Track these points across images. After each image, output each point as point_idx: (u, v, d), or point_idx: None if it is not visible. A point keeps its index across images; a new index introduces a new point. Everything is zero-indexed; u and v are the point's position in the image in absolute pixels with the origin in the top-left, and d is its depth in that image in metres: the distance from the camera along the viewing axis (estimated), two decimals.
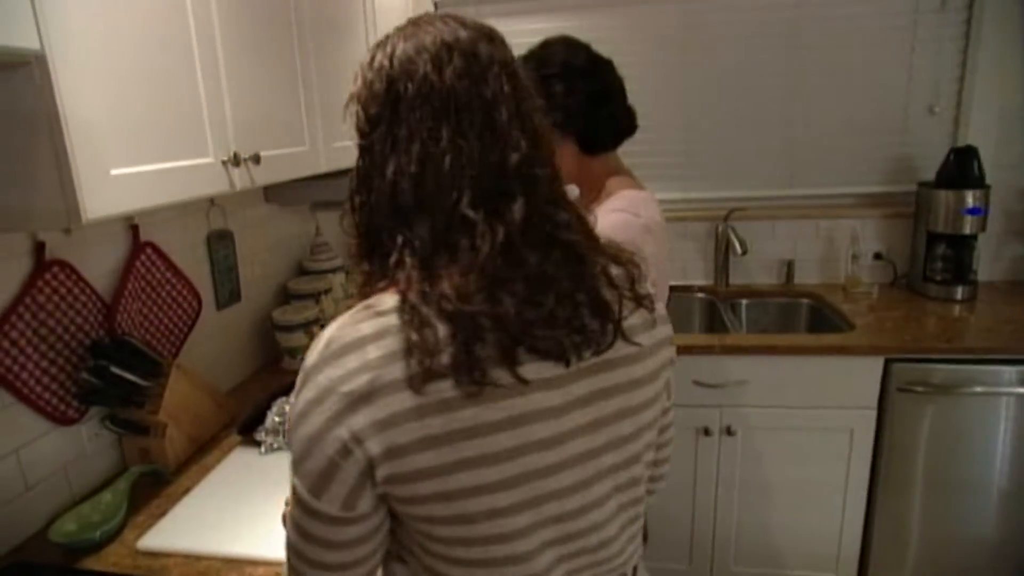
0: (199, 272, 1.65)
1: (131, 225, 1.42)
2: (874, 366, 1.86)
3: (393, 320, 0.59)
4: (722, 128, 2.42)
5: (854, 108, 2.32)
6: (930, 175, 2.23)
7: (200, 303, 1.62)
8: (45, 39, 0.83)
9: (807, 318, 2.35)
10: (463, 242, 0.60)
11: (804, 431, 1.94)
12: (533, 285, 0.61)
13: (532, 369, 0.61)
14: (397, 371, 0.58)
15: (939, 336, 1.87)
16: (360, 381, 0.58)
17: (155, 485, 1.32)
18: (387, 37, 0.67)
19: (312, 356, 0.61)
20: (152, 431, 1.35)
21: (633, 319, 0.68)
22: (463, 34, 0.64)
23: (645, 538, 1.44)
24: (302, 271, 2.13)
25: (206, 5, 1.16)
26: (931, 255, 2.20)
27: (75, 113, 0.87)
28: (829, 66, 2.30)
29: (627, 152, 1.36)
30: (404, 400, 0.57)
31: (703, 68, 2.38)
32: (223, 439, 1.51)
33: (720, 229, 2.42)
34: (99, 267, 1.34)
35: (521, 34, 2.43)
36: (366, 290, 0.65)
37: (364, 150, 0.66)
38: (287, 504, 0.68)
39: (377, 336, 0.59)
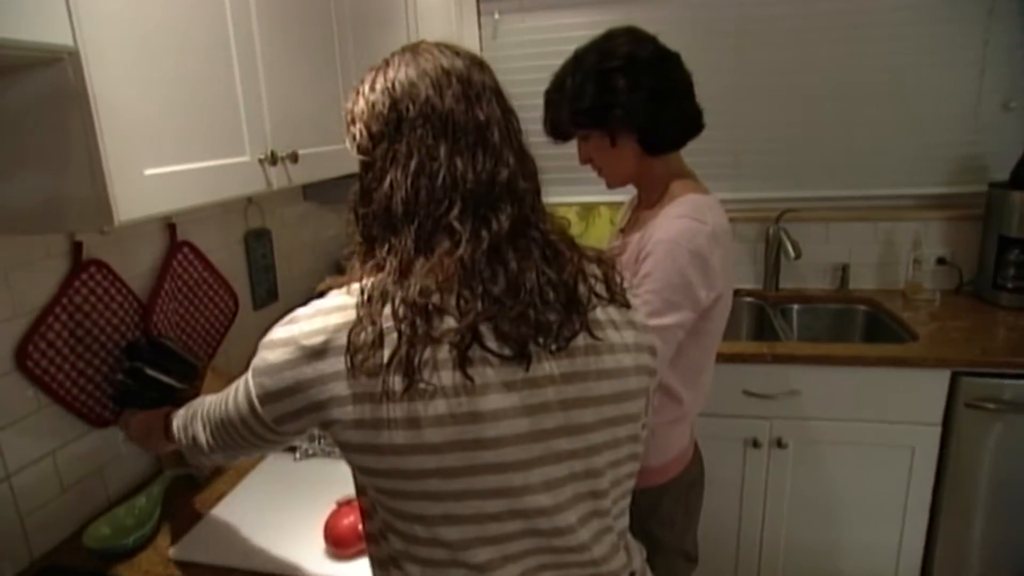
0: (236, 271, 1.63)
1: (168, 224, 1.40)
2: (940, 380, 1.74)
3: (351, 302, 0.66)
4: (775, 125, 2.31)
5: (918, 103, 2.18)
6: (1003, 175, 2.08)
7: (237, 303, 1.60)
8: (78, 35, 0.80)
9: (863, 325, 2.24)
10: (444, 245, 0.66)
11: (861, 446, 1.84)
12: (510, 283, 0.66)
13: (486, 371, 0.65)
14: (344, 340, 0.64)
15: (1014, 349, 1.75)
16: (317, 339, 0.65)
17: (190, 489, 1.30)
18: (386, 62, 0.73)
19: (291, 313, 0.70)
20: None
21: (601, 314, 0.72)
22: (458, 62, 0.71)
23: (693, 559, 1.38)
24: (340, 270, 2.10)
25: (244, 1, 1.12)
26: (1002, 261, 2.06)
27: (108, 111, 0.84)
28: (892, 60, 2.17)
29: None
30: (342, 379, 0.64)
31: (755, 62, 2.27)
32: None
33: (771, 231, 2.31)
34: (136, 267, 1.33)
35: (562, 28, 2.39)
36: (346, 276, 0.72)
37: (366, 166, 0.71)
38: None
39: (338, 309, 0.66)
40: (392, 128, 0.69)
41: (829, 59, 2.21)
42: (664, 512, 1.27)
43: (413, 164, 0.67)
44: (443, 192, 0.66)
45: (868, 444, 1.83)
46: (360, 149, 0.72)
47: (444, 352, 0.63)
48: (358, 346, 0.63)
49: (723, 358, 1.85)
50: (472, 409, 0.64)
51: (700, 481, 1.36)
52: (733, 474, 1.93)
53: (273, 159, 1.18)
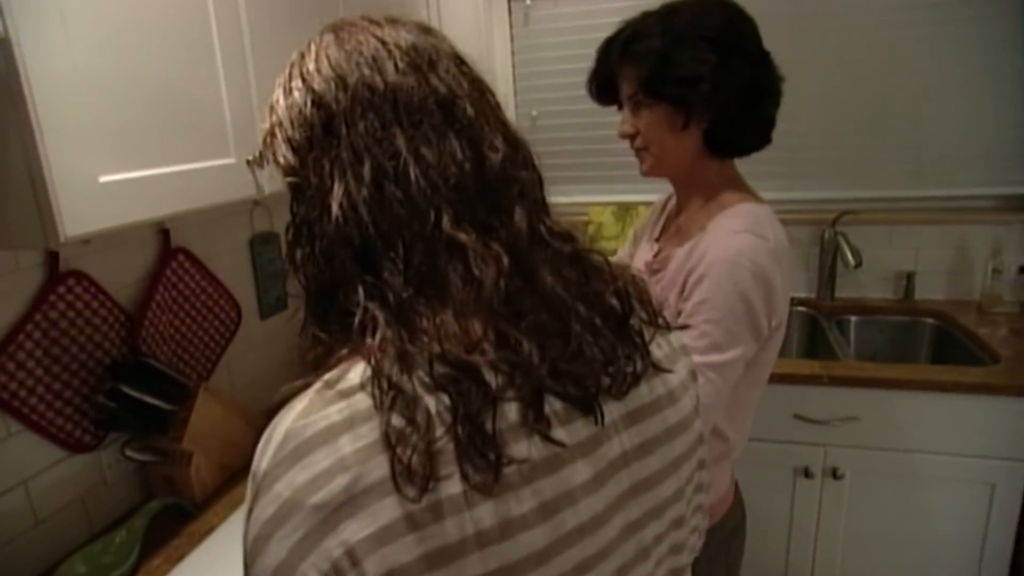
0: (240, 279, 1.52)
1: (161, 230, 1.28)
2: None
3: (364, 401, 0.45)
4: (834, 119, 2.09)
5: (997, 94, 1.94)
6: None
7: (240, 314, 1.49)
8: (8, 17, 0.68)
9: (931, 341, 2.01)
10: (454, 274, 0.48)
11: (930, 480, 1.63)
12: (551, 308, 0.50)
13: (563, 429, 0.49)
14: (383, 467, 0.43)
15: None
16: (336, 487, 0.43)
17: (177, 520, 1.19)
18: (300, 53, 0.57)
19: (265, 458, 0.46)
20: (177, 459, 1.22)
21: (657, 349, 0.58)
22: (397, 31, 0.55)
23: None
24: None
25: None
26: None
27: (50, 107, 0.72)
28: (965, 45, 1.93)
29: None
30: (395, 507, 0.43)
31: (813, 50, 2.06)
32: None
33: (827, 234, 2.10)
34: (123, 277, 1.22)
35: (598, 14, 2.20)
36: (324, 362, 0.50)
37: (296, 190, 0.53)
38: None
39: (348, 424, 0.44)
40: (321, 130, 0.52)
41: (895, 46, 1.99)
42: (703, 567, 1.10)
43: (367, 169, 0.49)
44: (421, 197, 0.49)
45: (939, 478, 1.62)
46: (285, 169, 0.54)
47: (513, 414, 0.46)
48: (405, 445, 0.42)
49: (772, 378, 1.66)
50: (566, 488, 0.48)
51: (742, 527, 1.19)
52: (781, 506, 1.74)
53: (263, 160, 1.05)
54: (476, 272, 0.48)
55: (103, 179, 0.79)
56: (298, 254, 0.53)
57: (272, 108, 0.56)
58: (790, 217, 2.13)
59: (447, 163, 0.50)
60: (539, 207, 0.55)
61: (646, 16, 1.02)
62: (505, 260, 0.49)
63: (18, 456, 1.05)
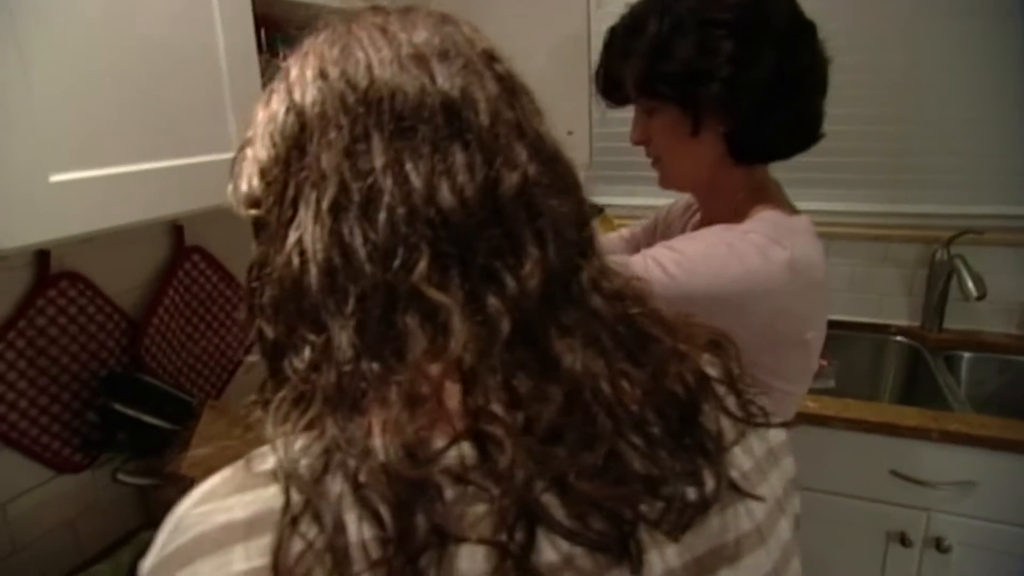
0: None
1: (175, 226, 1.16)
2: None
3: (275, 499, 0.34)
4: (952, 122, 1.79)
5: None
6: None
7: None
8: None
9: None
10: (418, 340, 0.36)
11: None
12: (573, 400, 0.36)
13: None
14: None
15: None
16: None
17: None
18: (286, 70, 0.44)
19: (154, 548, 0.37)
20: (178, 485, 1.09)
21: (744, 457, 0.41)
22: (408, 20, 0.43)
23: None
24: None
25: None
26: None
27: None
28: None
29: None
30: None
31: (926, 35, 1.75)
32: None
33: (939, 255, 1.80)
34: (129, 279, 1.10)
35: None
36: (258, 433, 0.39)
37: (259, 225, 0.43)
38: None
39: (248, 529, 0.34)
40: (292, 144, 0.40)
41: None
42: None
43: (328, 194, 0.38)
44: (388, 232, 0.36)
45: None
46: (247, 199, 0.43)
47: (479, 562, 0.32)
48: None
49: (866, 427, 1.42)
50: None
51: None
52: (868, 574, 1.49)
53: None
54: (450, 341, 0.35)
55: (55, 178, 0.64)
56: (255, 300, 0.42)
57: (250, 124, 0.46)
58: (894, 232, 1.86)
59: (439, 185, 0.37)
60: (578, 249, 0.40)
61: None
62: (505, 324, 0.36)
63: None
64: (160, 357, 1.12)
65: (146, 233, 1.12)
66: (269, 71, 0.98)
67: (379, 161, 0.37)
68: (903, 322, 1.91)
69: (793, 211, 0.84)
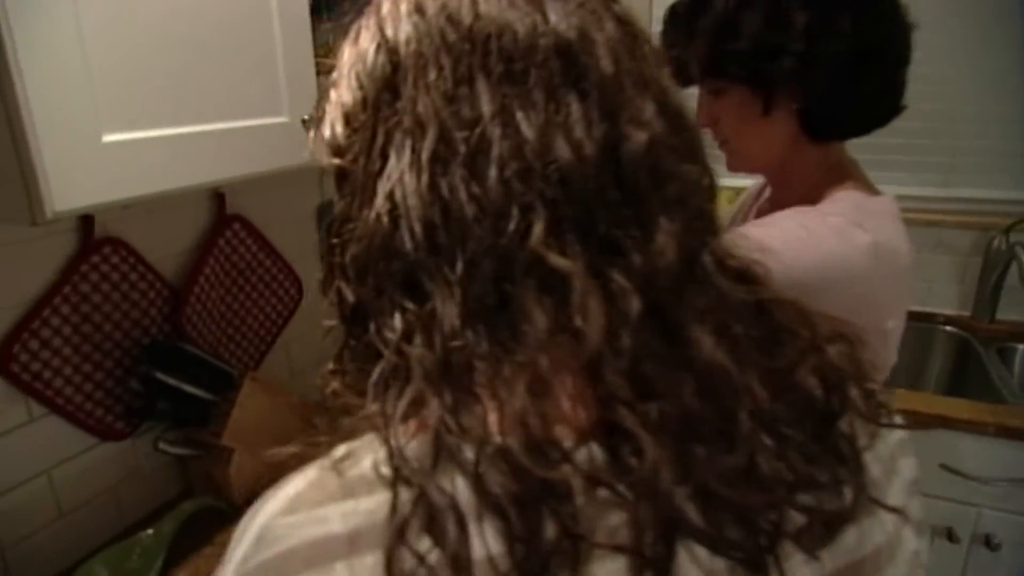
0: (304, 251, 1.36)
1: (216, 194, 1.13)
2: None
3: (380, 510, 0.30)
4: (1009, 102, 1.70)
5: None
6: None
7: (300, 290, 1.34)
8: None
9: None
10: (539, 315, 0.31)
11: None
12: (710, 395, 0.31)
13: None
14: None
15: None
16: None
17: (213, 524, 1.06)
18: (375, 3, 0.39)
19: (232, 561, 0.32)
20: (218, 455, 1.08)
21: (874, 463, 0.37)
22: None
23: None
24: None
25: None
26: None
27: (33, 38, 0.55)
28: None
29: None
30: None
31: (996, 9, 1.66)
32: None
33: (996, 243, 1.73)
34: (170, 246, 1.08)
35: None
36: (345, 419, 0.35)
37: (342, 176, 0.38)
38: None
39: (350, 545, 0.30)
40: (383, 86, 0.35)
41: None
42: None
43: (428, 143, 0.33)
44: (501, 190, 0.32)
45: None
46: (331, 146, 0.38)
47: (620, 572, 0.29)
48: None
49: (917, 419, 1.37)
50: None
51: None
52: None
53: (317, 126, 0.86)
54: (576, 320, 0.30)
55: (108, 138, 0.62)
56: (334, 258, 0.37)
57: (336, 65, 0.41)
58: (947, 218, 1.79)
59: (555, 139, 0.32)
60: (704, 224, 0.35)
61: None
62: (634, 303, 0.31)
63: (41, 442, 0.94)
64: (200, 326, 1.11)
65: (187, 200, 1.10)
66: (318, 36, 0.94)
67: (487, 108, 0.32)
68: (951, 311, 1.84)
69: (874, 191, 0.79)
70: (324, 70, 0.95)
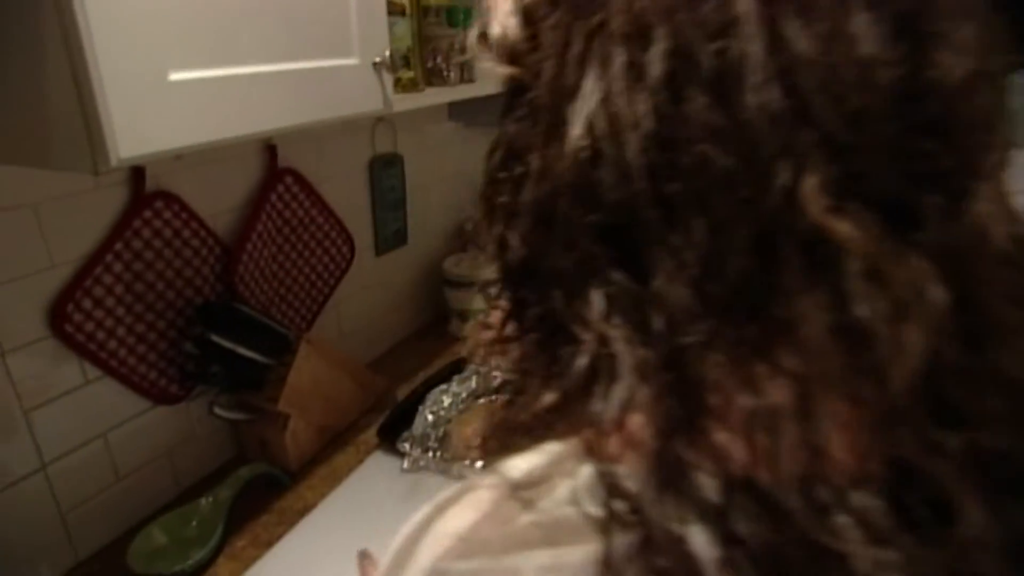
0: (356, 208, 1.30)
1: (268, 145, 1.06)
2: None
3: (591, 558, 0.22)
4: None
5: None
6: None
7: (352, 249, 1.27)
8: None
9: None
10: (808, 305, 0.22)
11: None
12: (1017, 423, 0.23)
13: None
14: None
15: None
16: None
17: (270, 492, 1.02)
18: None
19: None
20: (272, 420, 1.04)
21: None
22: None
23: None
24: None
25: None
26: None
27: None
28: None
29: None
30: None
31: None
32: (363, 428, 1.18)
33: None
34: (220, 201, 1.02)
35: None
36: (517, 423, 0.27)
37: (515, 93, 0.28)
38: None
39: None
40: None
41: None
42: None
43: (656, 55, 0.23)
44: (764, 124, 0.22)
45: None
46: (502, 50, 0.29)
47: None
48: None
49: None
50: None
51: None
52: None
53: (395, 64, 0.79)
54: (862, 311, 0.22)
55: (175, 76, 0.55)
56: (492, 203, 0.30)
57: None
58: None
59: (839, 60, 0.22)
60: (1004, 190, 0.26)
61: None
62: (939, 295, 0.22)
63: (96, 405, 0.90)
64: (252, 286, 1.06)
65: (239, 153, 1.03)
66: None
67: (744, 7, 0.23)
68: None
69: None
70: (395, 10, 0.86)
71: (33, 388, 0.82)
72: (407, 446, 1.07)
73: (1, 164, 0.61)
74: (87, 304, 0.84)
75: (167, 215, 0.92)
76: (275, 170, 1.08)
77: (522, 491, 0.25)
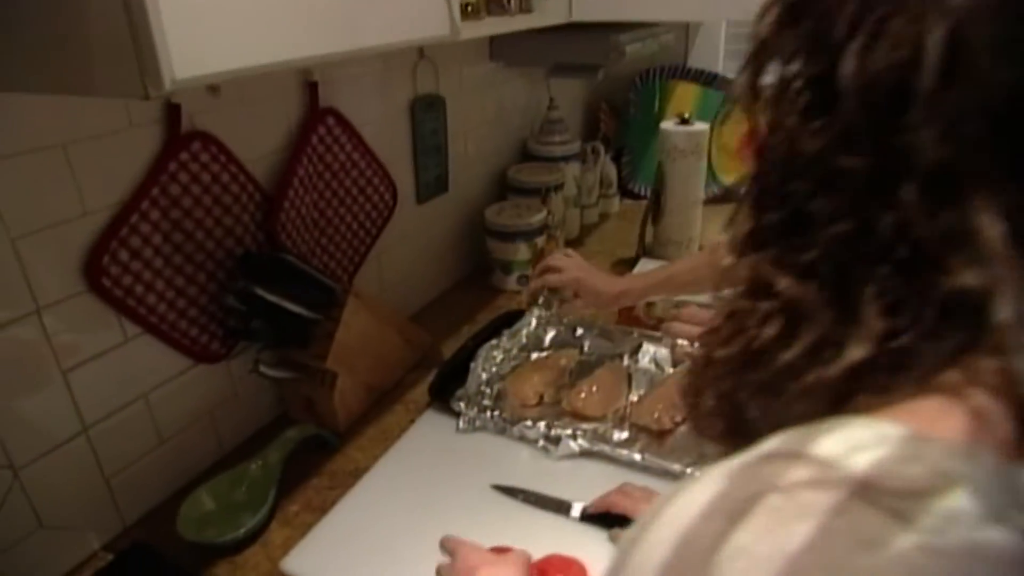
0: (396, 151, 1.21)
1: (308, 83, 0.97)
2: None
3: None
4: None
5: None
6: None
7: (395, 196, 1.19)
8: None
9: None
10: None
11: None
12: None
13: None
14: None
15: None
16: None
17: (317, 454, 0.97)
18: None
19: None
20: (319, 379, 0.98)
21: None
22: None
23: None
24: (526, 155, 1.63)
25: None
26: None
27: None
28: None
29: None
30: None
31: None
32: (410, 386, 1.12)
33: None
34: (260, 144, 0.93)
35: None
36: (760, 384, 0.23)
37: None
38: None
39: None
40: None
41: None
42: None
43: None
44: None
45: None
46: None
47: None
48: None
49: None
50: None
51: None
52: None
53: None
54: None
55: None
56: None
57: None
58: None
59: None
60: None
61: None
62: None
63: (137, 365, 0.83)
64: (295, 235, 0.98)
65: (278, 90, 0.94)
66: None
67: None
68: None
69: None
70: None
71: (70, 347, 0.75)
72: (462, 405, 1.01)
73: (37, 93, 0.53)
74: (124, 256, 0.77)
75: (205, 158, 0.84)
76: (316, 110, 0.98)
77: (887, 497, 0.17)
